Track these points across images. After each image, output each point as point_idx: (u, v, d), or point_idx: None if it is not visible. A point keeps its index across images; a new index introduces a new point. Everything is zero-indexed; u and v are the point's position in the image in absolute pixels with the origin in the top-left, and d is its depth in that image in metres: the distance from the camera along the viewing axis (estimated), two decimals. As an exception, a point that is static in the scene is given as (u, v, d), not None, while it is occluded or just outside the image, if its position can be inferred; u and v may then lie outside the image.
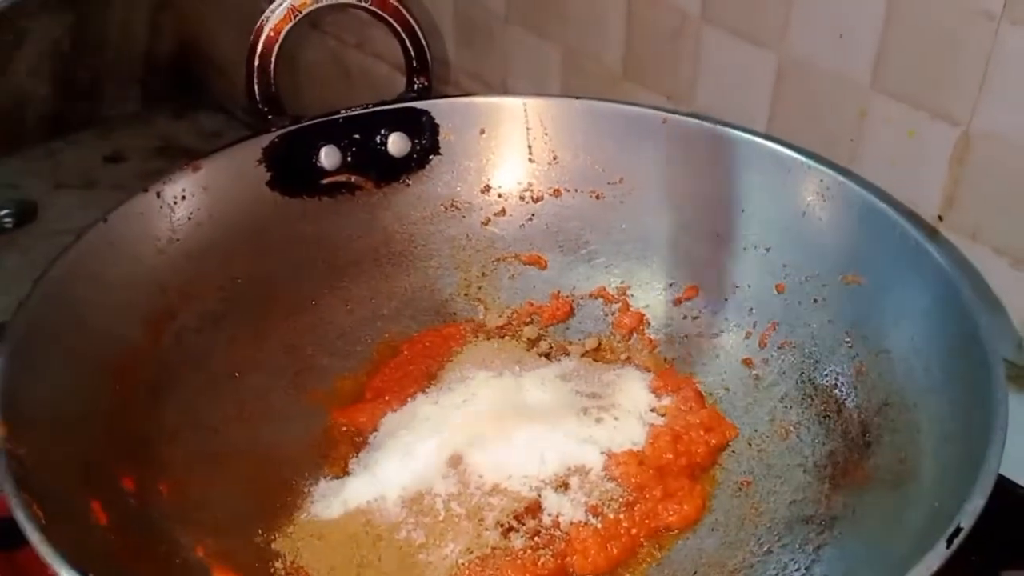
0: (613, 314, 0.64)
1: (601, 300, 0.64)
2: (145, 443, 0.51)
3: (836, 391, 0.54)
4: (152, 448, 0.51)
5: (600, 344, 0.63)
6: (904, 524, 0.45)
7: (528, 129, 0.66)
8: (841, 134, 0.63)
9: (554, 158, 0.66)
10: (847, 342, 0.55)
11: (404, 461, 0.53)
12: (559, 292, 0.65)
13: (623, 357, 0.62)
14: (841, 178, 0.57)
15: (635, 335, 0.63)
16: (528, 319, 0.65)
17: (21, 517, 0.39)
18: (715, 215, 0.62)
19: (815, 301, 0.57)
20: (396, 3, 0.65)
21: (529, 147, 0.66)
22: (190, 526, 0.49)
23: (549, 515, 0.51)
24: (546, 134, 0.66)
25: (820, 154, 0.62)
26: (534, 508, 0.52)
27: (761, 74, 0.67)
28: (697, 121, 0.63)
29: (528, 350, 0.62)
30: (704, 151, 0.62)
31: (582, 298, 0.65)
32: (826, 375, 0.55)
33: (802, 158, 0.59)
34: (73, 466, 0.46)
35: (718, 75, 0.70)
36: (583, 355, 0.62)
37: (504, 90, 0.90)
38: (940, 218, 0.61)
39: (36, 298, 0.50)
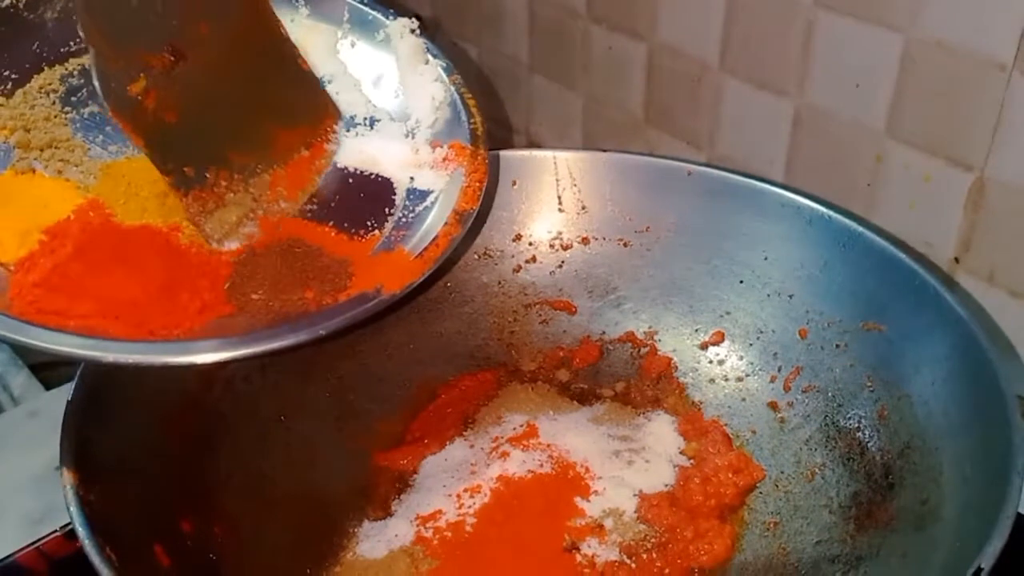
0: (641, 358, 0.66)
1: (630, 344, 0.67)
2: (201, 487, 0.54)
3: (859, 434, 0.56)
4: (207, 492, 0.54)
5: (629, 387, 0.65)
6: (927, 565, 0.47)
7: (558, 181, 0.68)
8: (858, 179, 0.65)
9: (583, 208, 0.68)
10: (869, 386, 0.57)
11: (445, 503, 0.55)
12: (589, 336, 0.67)
13: (652, 400, 0.64)
14: (860, 229, 0.59)
15: (663, 379, 0.65)
16: (559, 363, 0.67)
17: (96, 561, 0.42)
18: (739, 262, 0.64)
19: (837, 346, 0.60)
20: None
21: (559, 197, 0.69)
22: (244, 567, 0.51)
23: (585, 555, 0.53)
24: (575, 185, 0.68)
25: (838, 199, 0.64)
26: (570, 548, 0.54)
27: (779, 121, 0.69)
28: (720, 173, 0.65)
29: (560, 394, 0.65)
30: (727, 201, 0.64)
31: (611, 342, 0.67)
32: (849, 418, 0.57)
33: (823, 209, 0.61)
34: (137, 510, 0.48)
35: (737, 122, 0.72)
36: (613, 398, 0.64)
37: (527, 136, 0.93)
38: (957, 260, 0.63)
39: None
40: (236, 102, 0.54)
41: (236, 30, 0.54)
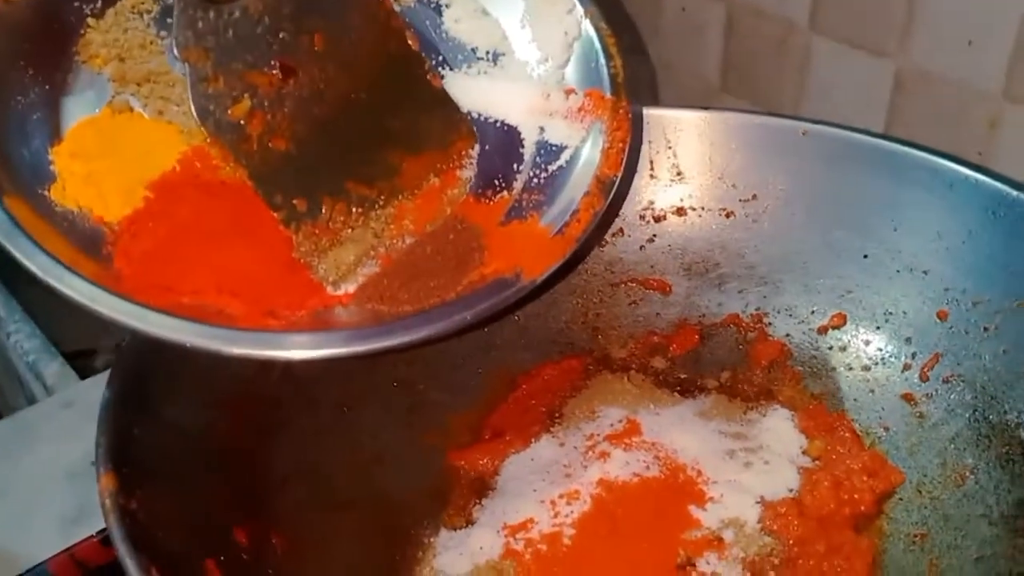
0: (748, 344, 0.58)
1: (734, 328, 0.59)
2: (256, 490, 0.47)
3: (1020, 431, 0.48)
4: (264, 496, 0.47)
5: (736, 377, 0.57)
6: None
7: (650, 143, 0.60)
8: (968, 148, 0.59)
9: (678, 174, 0.61)
10: (1028, 376, 0.49)
11: (537, 511, 0.48)
12: (686, 320, 0.60)
13: (764, 392, 0.56)
14: (1015, 193, 0.51)
15: (775, 367, 0.57)
16: (653, 349, 0.59)
17: (139, 582, 0.35)
18: (862, 234, 0.56)
19: (985, 329, 0.52)
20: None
21: (651, 162, 0.61)
22: (307, 584, 0.45)
23: (702, 573, 0.46)
24: (669, 148, 0.61)
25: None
26: (685, 565, 0.46)
27: (877, 85, 0.62)
28: (842, 132, 0.57)
29: (658, 385, 0.57)
30: (849, 165, 0.56)
31: (712, 326, 0.59)
32: (1005, 413, 0.49)
33: (968, 171, 0.53)
34: (185, 519, 0.42)
35: (828, 87, 0.66)
36: (718, 390, 0.57)
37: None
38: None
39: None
40: (355, 125, 0.48)
41: (355, 43, 0.47)
